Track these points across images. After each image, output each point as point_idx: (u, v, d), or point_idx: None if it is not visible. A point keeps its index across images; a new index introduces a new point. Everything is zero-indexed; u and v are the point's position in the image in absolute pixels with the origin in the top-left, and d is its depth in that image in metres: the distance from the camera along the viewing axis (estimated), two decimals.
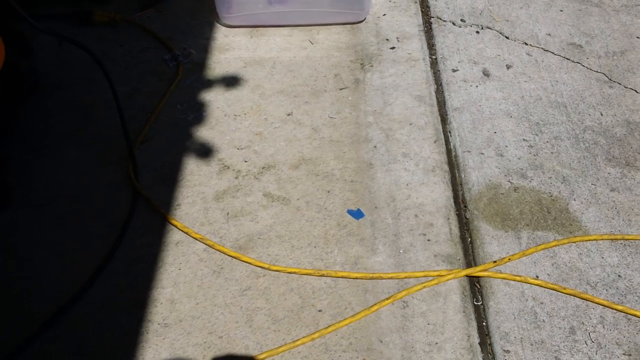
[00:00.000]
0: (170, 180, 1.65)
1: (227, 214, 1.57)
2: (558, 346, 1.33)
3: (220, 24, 2.13)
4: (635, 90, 1.94)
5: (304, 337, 1.33)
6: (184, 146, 1.74)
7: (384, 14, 2.21)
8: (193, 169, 1.68)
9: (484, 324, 1.39)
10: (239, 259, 1.47)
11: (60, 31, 2.00)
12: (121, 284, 1.42)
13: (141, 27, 2.12)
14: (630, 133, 1.81)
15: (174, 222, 1.54)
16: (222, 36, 2.10)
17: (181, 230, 1.53)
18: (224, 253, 1.48)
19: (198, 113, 1.83)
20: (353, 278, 1.44)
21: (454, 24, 2.18)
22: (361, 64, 2.00)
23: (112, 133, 1.74)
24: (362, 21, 2.16)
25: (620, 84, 1.96)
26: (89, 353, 1.30)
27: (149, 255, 1.48)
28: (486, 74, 1.99)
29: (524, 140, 1.78)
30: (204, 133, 1.78)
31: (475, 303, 1.42)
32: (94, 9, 2.11)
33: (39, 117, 1.81)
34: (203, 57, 2.02)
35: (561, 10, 2.24)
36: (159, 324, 1.35)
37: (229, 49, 2.05)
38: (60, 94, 1.87)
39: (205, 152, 1.73)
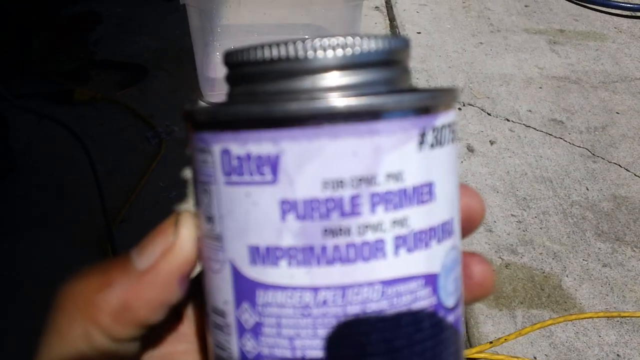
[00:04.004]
0: None
1: None
2: None
3: (204, 102, 2.13)
4: (619, 165, 1.95)
5: None
6: None
7: None
8: None
9: None
10: None
11: (40, 109, 1.98)
12: None
13: (122, 105, 2.10)
14: (617, 207, 1.80)
15: None
16: None
17: None
18: None
19: (180, 190, 1.79)
20: None
21: None
22: None
23: (90, 213, 1.68)
24: None
25: (603, 158, 1.97)
26: None
27: None
28: (470, 149, 1.99)
29: (512, 215, 1.76)
30: None
31: None
32: (75, 88, 2.09)
33: (12, 197, 1.74)
34: (186, 134, 1.99)
35: (540, 88, 2.28)
36: None
37: None
38: (37, 173, 1.82)
39: None
